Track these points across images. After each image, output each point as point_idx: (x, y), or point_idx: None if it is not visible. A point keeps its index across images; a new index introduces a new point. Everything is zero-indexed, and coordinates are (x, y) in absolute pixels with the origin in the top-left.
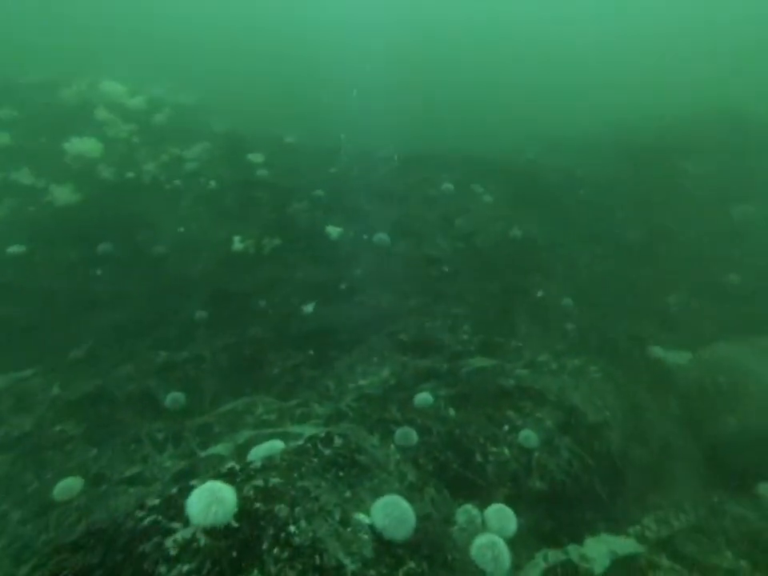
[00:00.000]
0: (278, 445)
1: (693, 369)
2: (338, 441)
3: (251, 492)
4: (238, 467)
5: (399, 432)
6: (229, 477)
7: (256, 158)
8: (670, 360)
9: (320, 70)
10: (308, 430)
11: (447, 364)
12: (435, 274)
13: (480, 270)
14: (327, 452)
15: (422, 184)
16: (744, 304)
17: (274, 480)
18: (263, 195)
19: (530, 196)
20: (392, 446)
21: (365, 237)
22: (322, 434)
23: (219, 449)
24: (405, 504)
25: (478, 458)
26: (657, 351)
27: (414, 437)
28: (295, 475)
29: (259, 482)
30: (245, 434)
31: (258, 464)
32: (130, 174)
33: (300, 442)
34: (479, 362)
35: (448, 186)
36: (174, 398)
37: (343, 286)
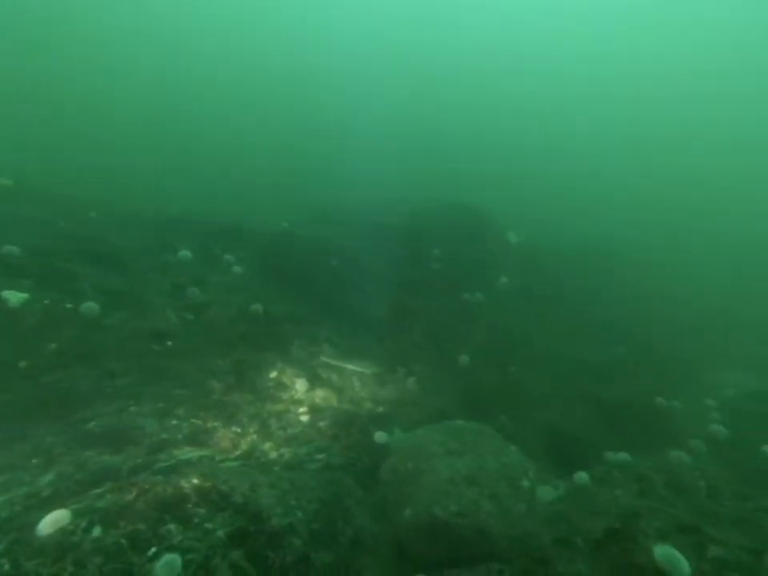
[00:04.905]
0: None
1: (393, 453)
2: None
3: None
4: None
5: None
6: None
7: None
8: (394, 443)
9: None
10: None
11: (141, 459)
12: (158, 350)
13: (212, 345)
14: None
15: (156, 247)
16: (470, 377)
17: None
18: None
19: (280, 266)
20: None
21: (68, 305)
22: None
23: None
24: None
25: None
26: (380, 436)
27: None
28: None
29: None
30: None
31: None
32: None
33: None
34: (184, 453)
35: (185, 252)
36: None
37: (23, 364)
